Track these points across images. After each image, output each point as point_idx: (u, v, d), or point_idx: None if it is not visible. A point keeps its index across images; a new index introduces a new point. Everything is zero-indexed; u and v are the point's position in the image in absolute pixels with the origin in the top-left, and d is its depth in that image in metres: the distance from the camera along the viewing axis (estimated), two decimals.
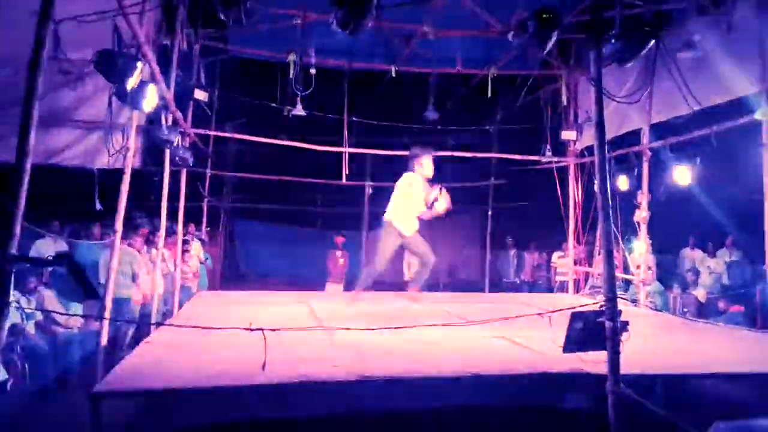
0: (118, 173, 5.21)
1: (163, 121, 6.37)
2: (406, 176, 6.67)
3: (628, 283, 9.21)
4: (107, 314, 4.91)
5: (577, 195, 9.52)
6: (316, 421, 3.54)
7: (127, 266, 7.37)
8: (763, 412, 3.88)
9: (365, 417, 3.59)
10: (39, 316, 6.43)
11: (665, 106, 7.34)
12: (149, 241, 8.52)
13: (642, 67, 7.38)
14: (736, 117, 6.41)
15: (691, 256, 10.43)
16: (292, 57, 8.17)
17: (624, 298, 7.94)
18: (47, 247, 7.93)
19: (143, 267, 7.73)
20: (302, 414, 3.54)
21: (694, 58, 6.65)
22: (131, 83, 4.39)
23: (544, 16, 4.65)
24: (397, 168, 6.89)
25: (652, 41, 4.50)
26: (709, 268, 9.88)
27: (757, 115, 5.99)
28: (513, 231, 13.00)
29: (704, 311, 8.94)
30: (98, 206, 5.94)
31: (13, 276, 2.63)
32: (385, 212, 6.78)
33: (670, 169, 7.40)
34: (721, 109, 6.66)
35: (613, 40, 4.38)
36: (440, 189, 6.60)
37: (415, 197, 6.55)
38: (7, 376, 5.26)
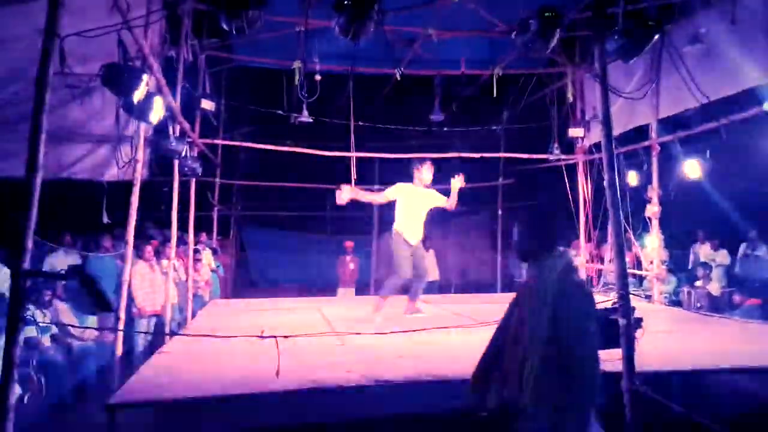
0: (128, 185, 5.24)
1: (171, 132, 6.42)
2: (396, 187, 6.65)
3: (641, 278, 9.15)
4: (121, 326, 4.94)
5: (587, 192, 9.48)
6: (331, 426, 3.54)
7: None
8: None
9: (379, 421, 3.58)
10: (54, 329, 6.48)
11: (673, 100, 7.29)
12: (159, 252, 8.57)
13: (648, 62, 7.33)
14: (745, 109, 6.36)
15: (702, 250, 10.33)
16: (296, 64, 8.20)
17: (637, 294, 7.96)
18: (60, 260, 7.99)
19: (147, 279, 7.70)
20: (317, 420, 3.54)
21: (701, 51, 6.60)
22: (138, 96, 4.41)
23: (547, 14, 4.63)
24: (405, 171, 6.87)
25: (657, 36, 4.47)
26: (714, 262, 9.77)
27: (767, 106, 5.94)
28: None
29: (717, 305, 8.85)
30: (106, 219, 5.99)
31: (27, 290, 2.65)
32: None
33: (680, 164, 7.35)
34: (730, 101, 6.61)
35: (617, 36, 4.36)
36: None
37: (408, 207, 6.52)
38: (22, 392, 5.30)
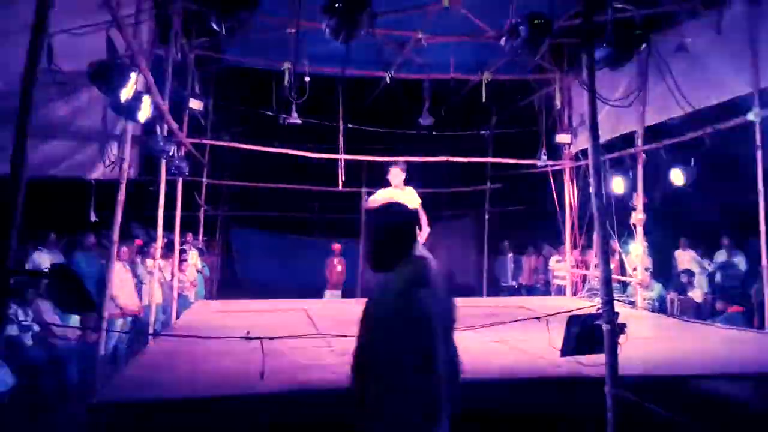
0: (115, 184, 5.20)
1: (159, 131, 6.38)
2: (379, 196, 6.71)
3: (625, 285, 9.23)
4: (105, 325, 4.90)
5: (573, 198, 9.55)
6: (314, 428, 3.53)
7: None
8: (762, 412, 3.90)
9: None
10: (36, 328, 6.41)
11: (659, 108, 7.38)
12: (144, 252, 8.51)
13: (635, 70, 7.42)
14: (729, 118, 6.45)
15: (684, 257, 10.44)
16: (286, 65, 8.18)
17: (621, 300, 8.03)
18: (44, 258, 7.91)
19: (120, 279, 7.63)
20: (301, 422, 3.53)
21: (686, 61, 6.69)
22: (126, 94, 4.39)
23: (536, 21, 4.66)
24: None
25: (644, 45, 4.53)
26: (705, 269, 9.89)
27: (750, 116, 6.02)
28: (510, 235, 13.02)
29: (700, 312, 8.95)
30: (93, 217, 5.93)
31: (10, 288, 2.62)
32: None
33: (665, 171, 7.42)
34: (715, 110, 6.70)
35: (605, 45, 4.41)
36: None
37: None
38: (9, 386, 5.24)
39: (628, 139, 8.12)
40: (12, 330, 5.87)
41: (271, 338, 3.70)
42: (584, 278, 9.61)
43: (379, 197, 6.69)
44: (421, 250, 2.33)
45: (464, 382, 2.57)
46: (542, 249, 12.33)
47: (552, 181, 9.68)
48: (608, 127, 7.97)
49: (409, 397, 2.06)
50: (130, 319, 7.60)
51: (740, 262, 9.80)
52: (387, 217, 2.33)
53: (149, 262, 8.17)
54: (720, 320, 7.57)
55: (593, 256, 8.94)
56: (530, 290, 12.08)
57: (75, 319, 6.94)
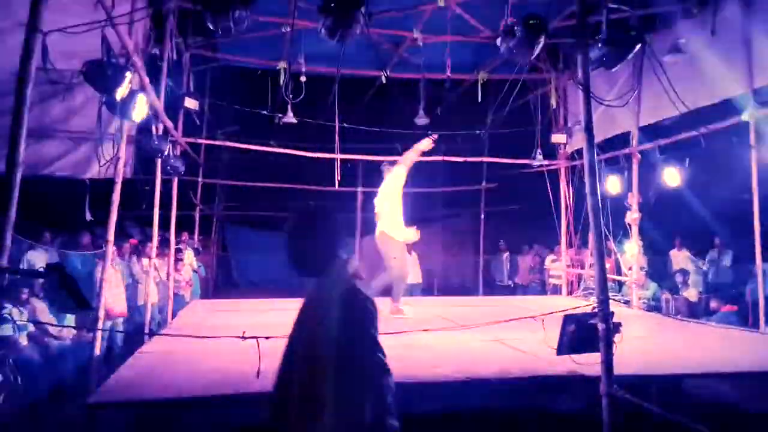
0: (109, 183, 5.19)
1: (154, 131, 6.36)
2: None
3: (620, 284, 9.25)
4: (100, 325, 4.89)
5: (569, 198, 9.57)
6: None
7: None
8: (756, 410, 3.92)
9: None
10: (31, 327, 6.39)
11: (654, 108, 7.40)
12: (140, 251, 8.49)
13: (630, 71, 7.44)
14: (724, 118, 6.48)
15: (678, 256, 10.49)
16: (282, 64, 8.17)
17: (616, 300, 8.05)
18: (39, 258, 7.88)
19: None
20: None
21: (682, 61, 6.71)
22: (121, 93, 4.37)
23: (531, 22, 4.67)
24: None
25: (639, 45, 4.54)
26: (699, 269, 9.94)
27: (744, 116, 6.05)
28: (506, 234, 13.03)
29: (695, 311, 8.99)
30: (89, 216, 5.92)
31: (4, 288, 2.62)
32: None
33: (659, 171, 7.45)
34: (710, 110, 6.72)
35: (600, 45, 4.42)
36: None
37: (394, 207, 6.67)
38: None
39: (623, 139, 8.15)
40: (7, 329, 5.85)
41: (267, 338, 3.69)
42: (580, 277, 9.63)
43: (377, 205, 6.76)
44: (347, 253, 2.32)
45: (461, 381, 2.58)
46: (533, 250, 12.38)
47: (547, 180, 9.70)
48: (603, 127, 7.99)
49: (365, 396, 2.03)
50: (121, 320, 7.58)
51: (729, 261, 9.88)
52: (311, 220, 2.29)
53: (145, 261, 8.16)
54: (714, 319, 7.61)
55: (588, 256, 8.96)
56: (526, 289, 12.11)
57: (70, 319, 6.92)
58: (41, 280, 5.94)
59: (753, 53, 6.03)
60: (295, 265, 2.24)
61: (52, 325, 6.48)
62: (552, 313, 4.16)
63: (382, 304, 6.43)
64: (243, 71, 9.82)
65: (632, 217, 7.88)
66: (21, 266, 7.15)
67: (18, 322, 6.04)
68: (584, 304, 5.20)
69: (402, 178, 6.74)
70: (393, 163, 6.90)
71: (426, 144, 6.79)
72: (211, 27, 4.42)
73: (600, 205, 3.54)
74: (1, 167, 2.67)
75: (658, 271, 10.46)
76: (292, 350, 2.25)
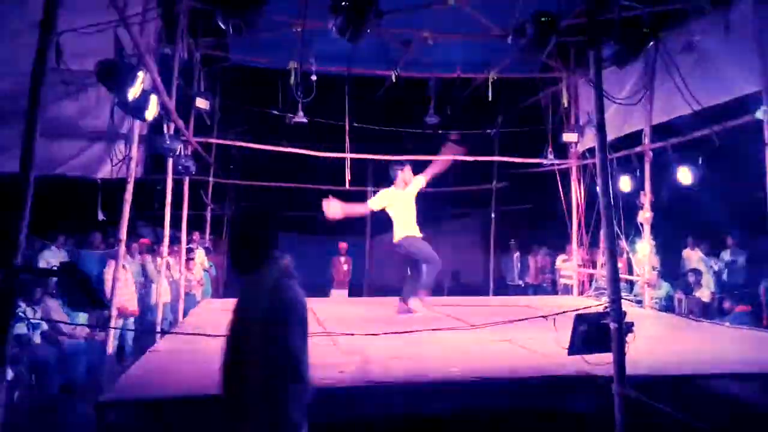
0: (121, 183, 5.22)
1: (165, 130, 6.40)
2: (381, 196, 6.80)
3: (632, 284, 9.19)
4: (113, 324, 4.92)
5: (580, 197, 9.51)
6: (321, 427, 3.53)
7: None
8: None
9: (371, 422, 3.58)
10: (45, 326, 6.45)
11: (666, 106, 7.34)
12: (154, 251, 8.55)
13: (642, 69, 7.39)
14: (737, 116, 6.41)
15: (692, 256, 10.40)
16: (292, 64, 8.19)
17: (628, 299, 8.00)
18: (52, 257, 7.95)
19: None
20: (308, 420, 3.53)
21: (694, 59, 6.65)
22: (133, 93, 4.40)
23: (543, 19, 4.65)
24: None
25: (651, 43, 4.51)
26: (709, 268, 9.85)
27: (758, 114, 5.98)
28: (516, 234, 12.99)
29: (708, 311, 8.91)
30: (101, 216, 5.96)
31: (18, 286, 2.64)
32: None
33: (672, 170, 7.39)
34: (723, 108, 6.66)
35: (612, 42, 4.39)
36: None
37: (400, 212, 6.69)
38: (12, 390, 5.27)
39: (635, 138, 8.09)
40: (21, 328, 5.91)
41: None
42: (591, 277, 9.58)
43: (378, 198, 6.78)
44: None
45: (471, 380, 2.57)
46: (540, 251, 12.34)
47: (559, 180, 9.65)
48: (615, 125, 7.94)
49: (284, 396, 2.08)
50: (132, 319, 7.63)
51: (743, 260, 9.78)
52: (245, 222, 2.41)
53: (158, 260, 8.21)
54: (728, 320, 7.54)
55: (600, 255, 8.91)
56: (537, 289, 12.07)
57: (83, 318, 6.98)
58: (54, 279, 6.01)
59: (766, 50, 5.96)
60: (233, 263, 2.37)
61: (65, 323, 6.53)
62: (563, 312, 4.13)
63: (415, 303, 6.50)
64: (254, 71, 9.84)
65: (644, 216, 7.82)
66: (37, 265, 7.21)
67: (32, 321, 6.11)
68: (596, 303, 5.17)
69: (418, 187, 6.79)
70: (402, 163, 6.89)
71: (450, 158, 6.84)
72: (222, 26, 4.44)
73: (612, 205, 3.52)
74: (15, 167, 2.69)
75: (671, 270, 10.38)
76: (226, 343, 2.34)
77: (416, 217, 6.81)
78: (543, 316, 4.50)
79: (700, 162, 7.15)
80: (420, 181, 6.84)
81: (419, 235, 6.72)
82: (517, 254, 12.82)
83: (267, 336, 2.12)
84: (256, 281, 2.28)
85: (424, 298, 6.71)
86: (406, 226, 6.67)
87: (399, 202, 6.71)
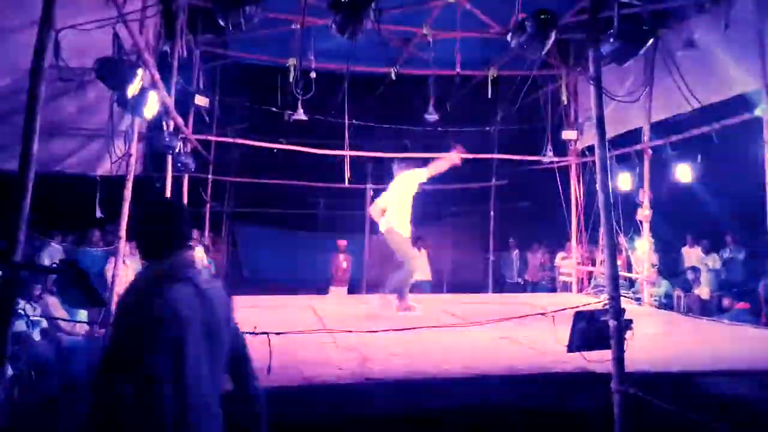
0: (121, 180, 5.22)
1: (165, 128, 6.40)
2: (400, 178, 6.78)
3: (631, 281, 9.20)
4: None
5: (579, 194, 9.52)
6: (321, 424, 3.54)
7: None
8: None
9: (370, 420, 3.59)
10: (44, 323, 6.45)
11: (666, 104, 7.34)
12: None
13: (642, 66, 7.38)
14: (737, 114, 6.41)
15: (691, 254, 10.42)
16: (291, 61, 8.18)
17: (627, 297, 8.01)
18: (51, 254, 7.95)
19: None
20: (308, 418, 3.54)
21: (694, 56, 6.64)
22: (132, 90, 4.40)
23: (542, 16, 4.64)
24: None
25: (651, 40, 4.50)
26: (706, 266, 9.86)
27: (758, 112, 5.98)
28: (515, 231, 12.99)
29: (707, 309, 8.92)
30: (99, 213, 5.96)
31: (18, 283, 2.64)
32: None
33: (671, 167, 7.40)
34: (722, 106, 6.66)
35: (611, 40, 4.39)
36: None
37: (401, 206, 6.67)
38: (11, 387, 5.27)
39: (634, 135, 8.09)
40: (20, 325, 5.91)
41: (277, 333, 3.70)
42: (590, 275, 9.59)
43: (381, 202, 6.75)
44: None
45: (470, 377, 2.56)
46: (538, 249, 12.35)
47: (558, 177, 9.66)
48: (614, 123, 7.92)
49: (144, 408, 1.82)
50: None
51: (741, 258, 9.80)
52: (146, 207, 2.26)
53: None
54: (727, 317, 7.55)
55: (599, 253, 8.92)
56: (536, 287, 12.07)
57: (82, 314, 6.97)
58: (54, 276, 6.01)
59: (766, 48, 5.95)
60: (138, 248, 2.19)
61: (64, 320, 6.53)
62: (563, 309, 4.14)
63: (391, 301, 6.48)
64: (253, 68, 9.84)
65: (643, 213, 7.83)
66: (37, 262, 7.21)
67: (31, 318, 6.10)
68: (595, 301, 5.17)
69: (417, 184, 6.75)
70: (404, 161, 6.88)
71: (455, 159, 6.79)
72: (221, 24, 4.43)
73: (611, 202, 3.52)
74: (15, 164, 2.69)
75: (670, 268, 10.38)
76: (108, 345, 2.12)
77: (415, 213, 6.77)
78: (542, 314, 4.51)
79: (698, 160, 7.14)
80: (421, 175, 6.74)
81: (407, 235, 6.66)
82: (516, 252, 12.82)
83: (131, 339, 1.89)
84: (142, 274, 2.08)
85: (387, 296, 6.59)
86: (402, 222, 6.64)
87: (402, 194, 6.69)
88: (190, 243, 2.19)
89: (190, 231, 2.19)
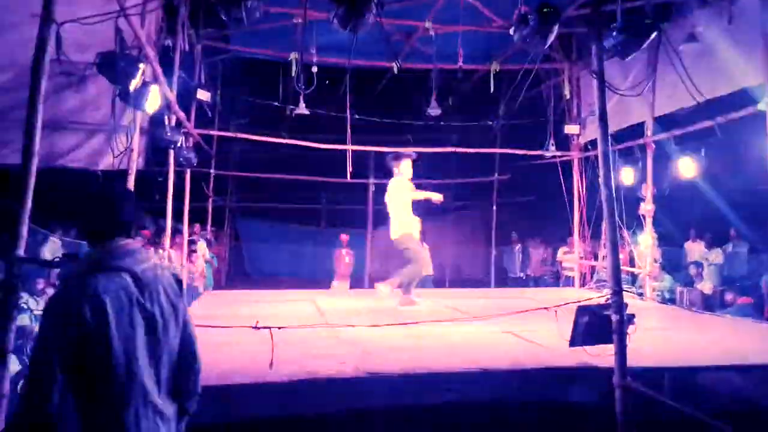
0: (123, 174, 5.22)
1: (167, 122, 6.39)
2: (393, 183, 6.77)
3: (634, 276, 9.19)
4: None
5: (582, 189, 9.50)
6: (323, 418, 3.55)
7: None
8: None
9: (372, 413, 3.60)
10: None
11: (669, 98, 7.31)
12: (156, 243, 8.55)
13: (645, 60, 7.34)
14: (740, 108, 6.39)
15: (694, 248, 10.40)
16: (293, 55, 8.16)
17: (630, 291, 8.00)
18: (54, 248, 7.97)
19: None
20: (310, 411, 3.55)
21: (697, 50, 6.61)
22: (134, 84, 4.39)
23: (545, 10, 4.61)
24: None
25: (654, 34, 4.47)
26: (709, 261, 9.85)
27: (761, 106, 5.96)
28: (518, 226, 12.99)
29: (710, 303, 8.92)
30: None
31: (21, 277, 2.65)
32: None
33: (674, 162, 7.37)
34: (726, 100, 6.63)
35: (614, 33, 4.36)
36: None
37: (408, 203, 6.67)
38: (15, 380, 5.28)
39: (637, 130, 8.06)
40: (24, 319, 5.92)
41: (280, 328, 3.71)
42: (593, 269, 9.58)
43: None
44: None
45: (472, 372, 2.55)
46: (539, 243, 12.33)
47: (560, 172, 9.63)
48: (617, 117, 7.91)
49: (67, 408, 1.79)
50: None
51: (745, 252, 9.79)
52: (85, 193, 2.15)
53: (159, 252, 8.22)
54: (730, 311, 7.54)
55: (602, 247, 8.91)
56: (538, 281, 12.07)
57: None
58: (57, 270, 6.01)
59: None
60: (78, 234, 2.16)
61: None
62: (565, 304, 4.13)
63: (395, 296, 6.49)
64: (255, 62, 9.82)
65: (646, 208, 7.82)
66: (44, 257, 7.21)
67: (34, 312, 6.11)
68: (597, 295, 5.17)
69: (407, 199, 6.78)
70: (398, 156, 6.86)
71: (437, 198, 6.85)
72: (223, 18, 4.42)
73: (613, 197, 3.52)
74: (17, 158, 2.69)
75: (673, 263, 10.37)
76: None
77: (417, 208, 6.79)
78: (544, 308, 4.50)
79: (702, 154, 7.12)
80: (407, 192, 6.74)
81: (417, 233, 6.73)
82: (518, 246, 12.81)
83: (44, 332, 1.84)
84: (85, 258, 2.03)
85: (387, 285, 6.57)
86: (412, 220, 6.68)
87: (400, 201, 6.69)
88: (134, 231, 2.11)
89: (134, 219, 2.09)
